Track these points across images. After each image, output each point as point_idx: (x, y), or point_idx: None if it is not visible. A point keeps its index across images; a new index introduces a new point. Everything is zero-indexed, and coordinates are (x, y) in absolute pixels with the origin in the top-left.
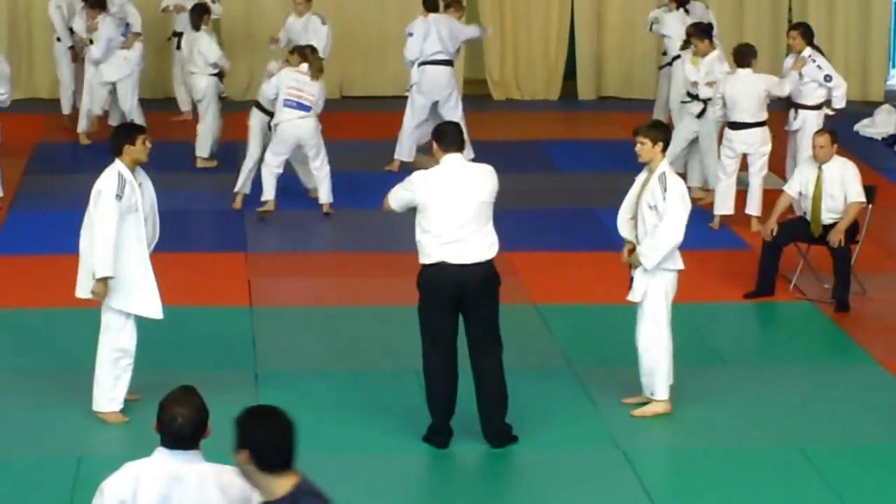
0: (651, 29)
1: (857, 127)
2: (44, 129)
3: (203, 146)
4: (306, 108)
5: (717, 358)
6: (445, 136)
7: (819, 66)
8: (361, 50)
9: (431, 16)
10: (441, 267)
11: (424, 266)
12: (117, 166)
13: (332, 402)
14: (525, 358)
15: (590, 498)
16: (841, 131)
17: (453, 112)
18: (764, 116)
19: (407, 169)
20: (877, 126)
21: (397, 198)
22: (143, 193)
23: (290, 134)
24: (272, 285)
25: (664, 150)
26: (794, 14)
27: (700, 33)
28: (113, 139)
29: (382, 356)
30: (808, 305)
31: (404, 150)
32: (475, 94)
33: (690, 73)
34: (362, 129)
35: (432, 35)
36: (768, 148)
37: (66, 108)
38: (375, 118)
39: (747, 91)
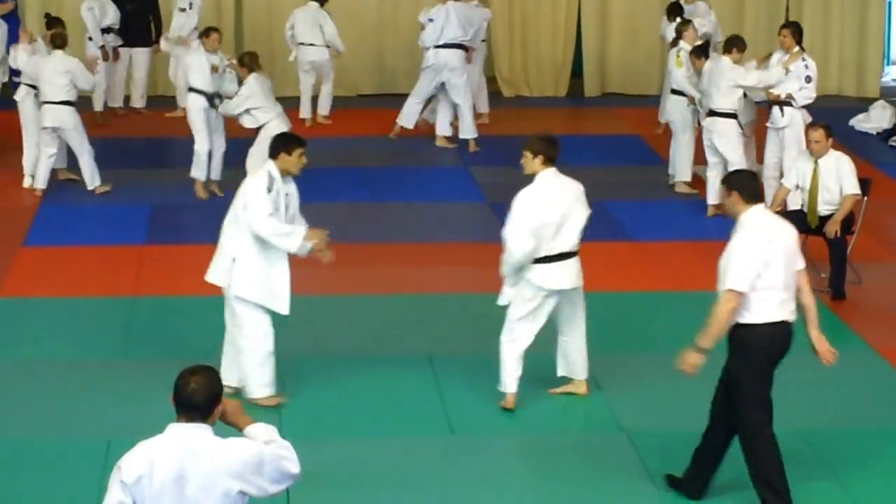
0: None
1: (852, 122)
2: None
3: (325, 104)
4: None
5: (717, 344)
6: (745, 187)
7: (806, 66)
8: (376, 49)
9: (450, 3)
10: (780, 326)
11: (758, 325)
12: (268, 166)
13: (351, 387)
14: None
15: (595, 478)
16: (837, 126)
17: (457, 93)
18: (730, 107)
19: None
20: (872, 121)
21: (739, 278)
22: (290, 201)
23: None
24: (295, 275)
25: (545, 162)
26: (792, 11)
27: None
28: (272, 143)
29: (398, 343)
30: None
31: (406, 117)
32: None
33: (675, 72)
34: (376, 126)
35: (452, 21)
36: (735, 141)
37: (97, 106)
38: (389, 115)
39: (718, 77)
